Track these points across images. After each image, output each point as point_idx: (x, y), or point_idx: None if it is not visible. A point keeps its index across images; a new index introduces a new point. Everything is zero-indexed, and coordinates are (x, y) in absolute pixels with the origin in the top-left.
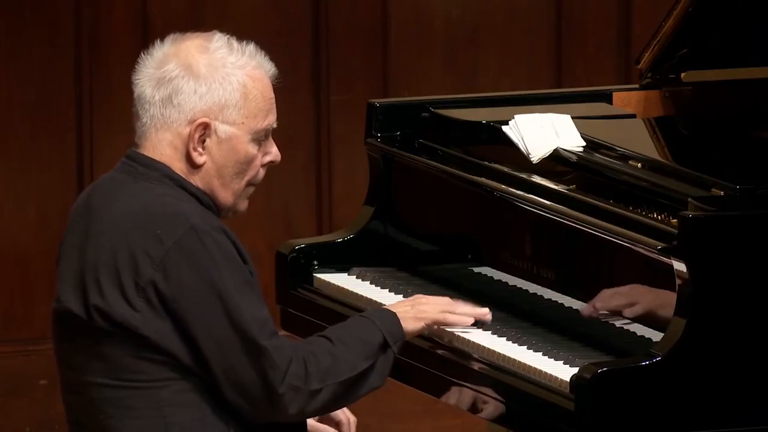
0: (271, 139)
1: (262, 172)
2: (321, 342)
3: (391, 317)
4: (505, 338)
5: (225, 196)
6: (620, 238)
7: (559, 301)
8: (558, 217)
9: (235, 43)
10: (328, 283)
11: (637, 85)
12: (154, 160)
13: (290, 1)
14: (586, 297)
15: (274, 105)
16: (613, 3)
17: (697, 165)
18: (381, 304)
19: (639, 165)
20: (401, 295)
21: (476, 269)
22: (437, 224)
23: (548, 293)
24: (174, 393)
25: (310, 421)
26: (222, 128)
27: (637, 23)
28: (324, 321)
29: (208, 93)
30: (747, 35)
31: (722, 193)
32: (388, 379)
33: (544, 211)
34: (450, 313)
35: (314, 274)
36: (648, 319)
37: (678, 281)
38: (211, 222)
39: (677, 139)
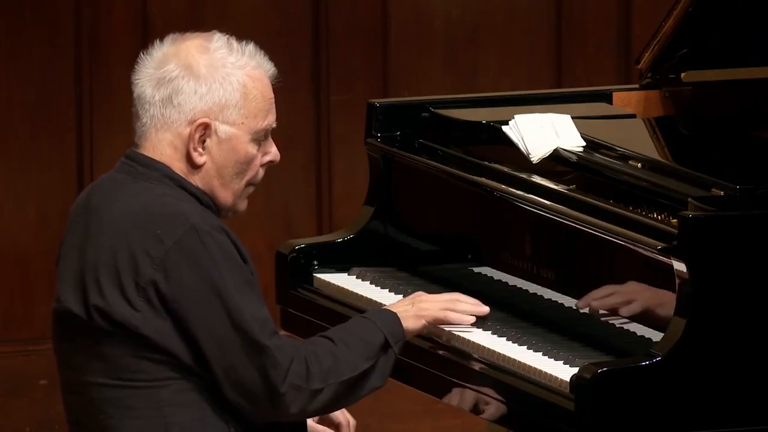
0: (270, 139)
1: (261, 172)
2: (322, 342)
3: (392, 318)
4: (505, 338)
5: (225, 196)
6: (620, 238)
7: (559, 301)
8: (558, 217)
9: (234, 43)
10: (328, 283)
11: (637, 85)
12: (153, 160)
13: (290, 1)
14: None
15: (274, 105)
16: (613, 3)
17: (697, 165)
18: (381, 304)
19: (639, 165)
20: (401, 295)
21: (476, 269)
22: (437, 224)
23: (548, 293)
24: (174, 393)
25: (310, 422)
26: (222, 128)
27: (637, 23)
28: (324, 321)
29: (209, 93)
30: (747, 35)
31: (722, 193)
32: (388, 379)
33: (544, 211)
34: (451, 311)
35: (314, 274)
36: (645, 317)
37: (678, 281)
38: (211, 222)
39: (677, 139)
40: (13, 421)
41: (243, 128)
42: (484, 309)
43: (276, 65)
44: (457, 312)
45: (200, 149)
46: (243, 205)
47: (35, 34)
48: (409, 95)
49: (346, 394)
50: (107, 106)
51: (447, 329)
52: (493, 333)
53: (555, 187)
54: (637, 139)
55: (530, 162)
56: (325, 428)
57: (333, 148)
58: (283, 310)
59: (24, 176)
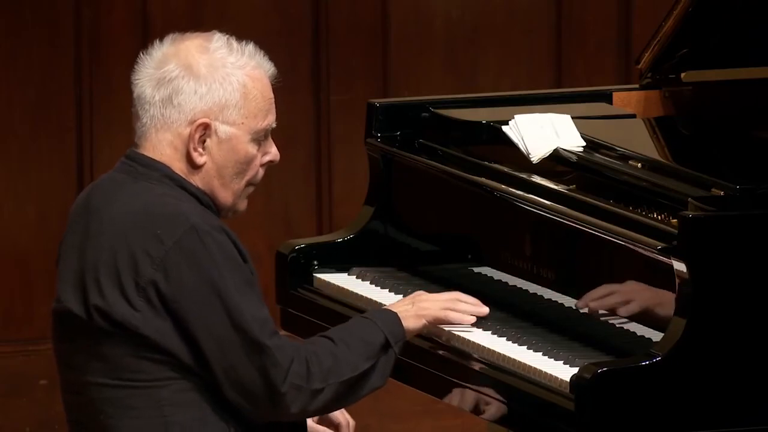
0: (270, 139)
1: (261, 172)
2: (322, 342)
3: (392, 317)
4: (505, 338)
5: (225, 196)
6: (620, 238)
7: (559, 301)
8: (558, 217)
9: (234, 43)
10: (328, 283)
11: (637, 85)
12: (153, 160)
13: (290, 1)
14: None
15: (274, 105)
16: (613, 3)
17: (697, 165)
18: (381, 304)
19: (639, 165)
20: (401, 295)
21: (476, 269)
22: (437, 224)
23: (548, 293)
24: (174, 392)
25: (310, 422)
26: (222, 128)
27: (637, 23)
28: (324, 321)
29: (209, 93)
30: (747, 35)
31: (722, 193)
32: (388, 379)
33: (544, 211)
34: (451, 310)
35: (314, 274)
36: (645, 317)
37: (678, 281)
38: (211, 222)
39: (677, 139)
40: (13, 421)
41: (243, 128)
42: (484, 309)
43: (276, 65)
44: (458, 311)
45: (200, 149)
46: (243, 205)
47: (35, 34)
48: (409, 95)
49: (347, 394)
50: (107, 106)
51: (447, 329)
52: (493, 333)
53: (555, 187)
54: (637, 139)
55: (530, 162)
56: (325, 428)
57: (333, 148)
58: (283, 310)
59: (24, 176)
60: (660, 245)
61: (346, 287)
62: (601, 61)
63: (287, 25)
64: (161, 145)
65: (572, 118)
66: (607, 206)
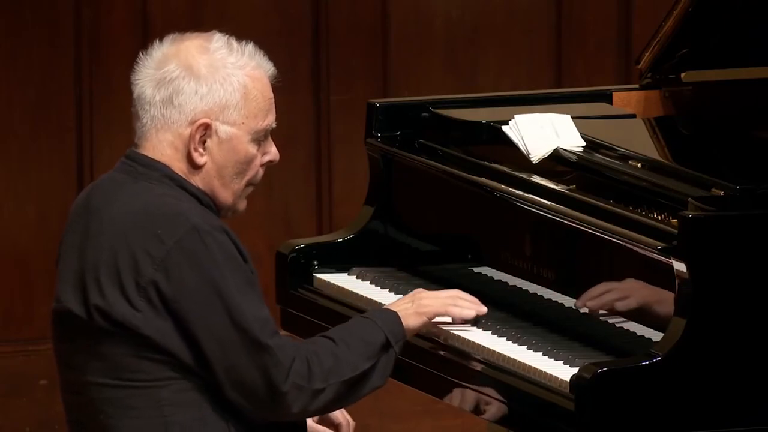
0: (270, 139)
1: (261, 172)
2: (323, 342)
3: (392, 317)
4: (505, 338)
5: (225, 196)
6: (620, 238)
7: (559, 301)
8: (558, 217)
9: (234, 43)
10: (328, 283)
11: (637, 85)
12: (153, 160)
13: (290, 1)
14: None
15: (274, 105)
16: (613, 3)
17: (697, 165)
18: (381, 304)
19: (639, 165)
20: (401, 295)
21: (476, 269)
22: (437, 224)
23: (548, 293)
24: (174, 392)
25: (310, 422)
26: (223, 129)
27: (637, 23)
28: (324, 321)
29: (209, 94)
30: (747, 35)
31: (722, 193)
32: (388, 379)
33: (544, 211)
34: (452, 305)
35: (314, 274)
36: (644, 315)
37: (678, 281)
38: (211, 222)
39: (677, 139)
40: (13, 421)
41: (243, 128)
42: (483, 308)
43: (276, 65)
44: (459, 307)
45: (201, 149)
46: (243, 204)
47: (35, 34)
48: (409, 95)
49: (347, 394)
50: (107, 106)
51: (447, 329)
52: (493, 333)
53: (555, 187)
54: (637, 139)
55: (530, 162)
56: (325, 428)
57: (333, 148)
58: (283, 310)
59: (24, 176)
60: (660, 245)
61: (346, 287)
62: (601, 61)
63: (287, 25)
64: (162, 145)
65: (572, 118)
66: (607, 206)
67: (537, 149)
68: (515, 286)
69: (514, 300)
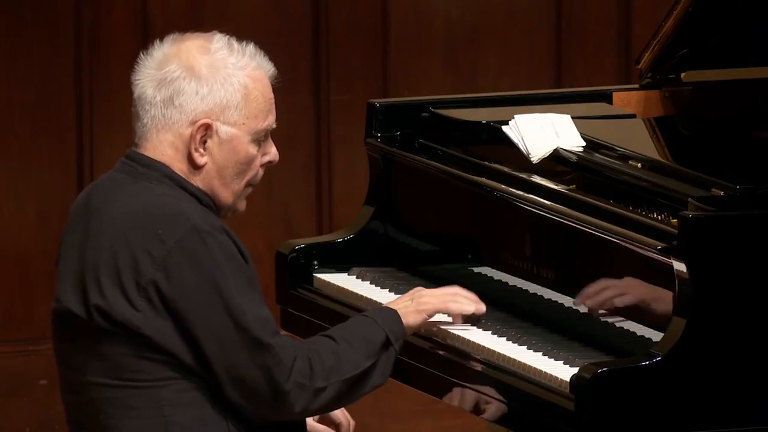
0: (270, 140)
1: (261, 173)
2: (324, 341)
3: (392, 315)
4: (505, 338)
5: (225, 196)
6: (620, 238)
7: (559, 301)
8: (558, 217)
9: (235, 43)
10: (328, 283)
11: (637, 85)
12: (153, 160)
13: (290, 1)
14: None
15: (274, 105)
16: (613, 3)
17: (697, 165)
18: (381, 304)
19: (639, 165)
20: (401, 295)
21: (476, 269)
22: (437, 224)
23: (548, 293)
24: (174, 392)
25: (310, 421)
26: (223, 129)
27: (637, 23)
28: (324, 321)
29: (210, 94)
30: (747, 35)
31: (722, 193)
32: (388, 379)
33: (544, 211)
34: (451, 302)
35: (314, 274)
36: (643, 313)
37: (678, 281)
38: (212, 222)
39: (677, 139)
40: (13, 421)
41: (244, 129)
42: (482, 306)
43: (276, 65)
44: (458, 303)
45: (201, 150)
46: (242, 205)
47: (35, 34)
48: (409, 95)
49: (348, 393)
50: (107, 106)
51: (447, 329)
52: (493, 333)
53: (555, 187)
54: (637, 139)
55: (530, 162)
56: (325, 428)
57: (333, 148)
58: (283, 310)
59: (24, 176)
60: (660, 245)
61: (346, 287)
62: (601, 61)
63: (287, 25)
64: (162, 145)
65: (572, 118)
66: (607, 206)
67: (537, 149)
68: (515, 286)
69: (514, 300)
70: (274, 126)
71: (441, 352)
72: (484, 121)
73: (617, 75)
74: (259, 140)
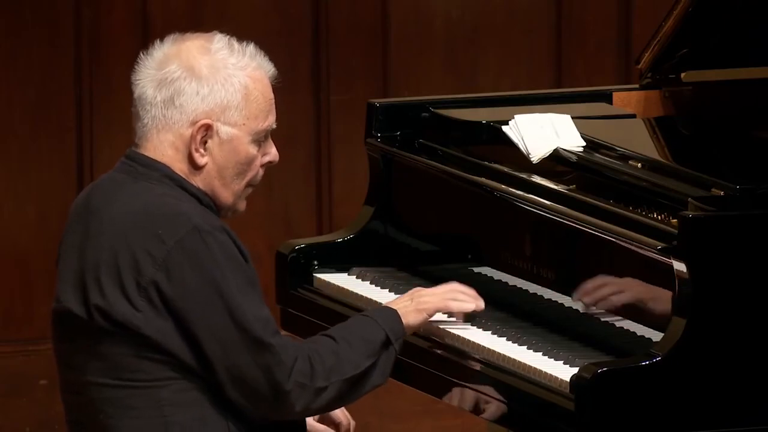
0: (270, 140)
1: (261, 173)
2: (324, 341)
3: (392, 315)
4: (505, 338)
5: (225, 196)
6: (620, 238)
7: (559, 301)
8: (558, 217)
9: (235, 44)
10: (328, 283)
11: (637, 85)
12: (154, 160)
13: (290, 1)
14: None
15: (274, 105)
16: (613, 3)
17: (697, 165)
18: (381, 304)
19: (639, 165)
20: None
21: (476, 269)
22: (437, 224)
23: (548, 293)
24: (174, 392)
25: (310, 421)
26: (224, 129)
27: (637, 23)
28: (324, 321)
29: (210, 94)
30: (747, 35)
31: (722, 193)
32: (388, 379)
33: (544, 211)
34: (451, 300)
35: (314, 274)
36: (642, 312)
37: (678, 281)
38: (212, 222)
39: (677, 139)
40: (13, 421)
41: (244, 129)
42: (481, 302)
43: (276, 65)
44: (458, 301)
45: (202, 150)
46: (242, 205)
47: (35, 34)
48: (409, 95)
49: (349, 392)
50: (107, 106)
51: (446, 328)
52: (493, 333)
53: (555, 187)
54: (637, 139)
55: (530, 162)
56: (326, 427)
57: (333, 148)
58: (283, 310)
59: (24, 176)
60: (660, 245)
61: (346, 287)
62: (601, 61)
63: (287, 25)
64: (162, 145)
65: (572, 118)
66: (607, 206)
67: (537, 149)
68: (515, 286)
69: (514, 300)
70: (275, 126)
71: (441, 352)
72: (484, 121)
73: (617, 75)
74: (259, 140)
